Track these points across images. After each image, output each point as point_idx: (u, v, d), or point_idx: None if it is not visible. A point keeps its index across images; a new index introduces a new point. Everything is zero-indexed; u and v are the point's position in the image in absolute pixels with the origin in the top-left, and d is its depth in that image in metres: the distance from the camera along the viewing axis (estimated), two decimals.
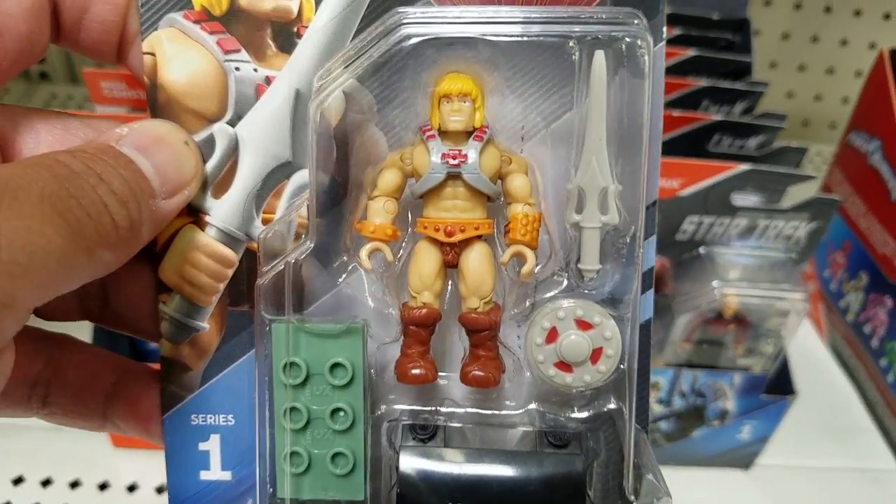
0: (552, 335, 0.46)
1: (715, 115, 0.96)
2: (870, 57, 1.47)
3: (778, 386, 0.96)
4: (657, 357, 0.93)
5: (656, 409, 0.94)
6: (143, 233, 0.42)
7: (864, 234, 1.13)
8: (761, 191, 0.84)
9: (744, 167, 0.81)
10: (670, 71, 1.04)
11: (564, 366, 0.46)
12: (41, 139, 0.46)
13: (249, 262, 0.48)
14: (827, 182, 1.26)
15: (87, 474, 0.96)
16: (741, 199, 0.84)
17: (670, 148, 0.89)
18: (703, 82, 1.02)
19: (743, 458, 1.01)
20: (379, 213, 0.46)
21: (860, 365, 1.16)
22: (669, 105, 1.00)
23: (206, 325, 0.49)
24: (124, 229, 0.40)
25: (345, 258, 0.48)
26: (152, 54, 0.46)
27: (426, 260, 0.46)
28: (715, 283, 0.87)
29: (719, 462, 1.01)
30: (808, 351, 1.20)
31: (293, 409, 0.47)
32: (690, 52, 1.06)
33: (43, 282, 0.35)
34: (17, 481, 0.95)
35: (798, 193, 0.88)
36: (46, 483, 0.95)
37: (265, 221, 0.48)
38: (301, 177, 0.47)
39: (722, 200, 0.83)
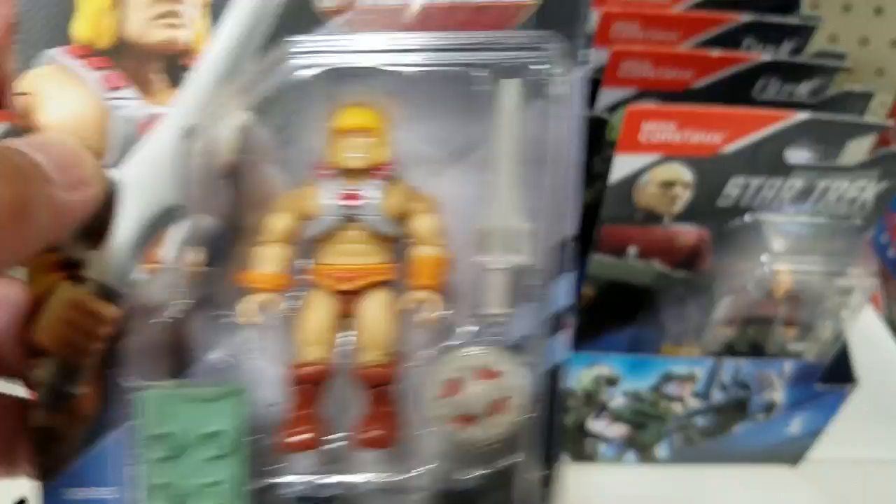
0: (454, 387, 0.42)
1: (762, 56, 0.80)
2: None
3: (835, 374, 0.84)
4: (694, 345, 0.82)
5: (692, 403, 0.83)
6: (38, 216, 0.37)
7: None
8: (819, 145, 0.72)
9: (801, 116, 0.68)
10: (706, 5, 0.89)
11: (467, 418, 0.43)
12: None
13: (130, 318, 0.44)
14: (883, 135, 1.16)
15: None
16: (796, 155, 0.71)
17: (709, 95, 0.76)
18: (744, 17, 0.85)
19: (790, 454, 0.90)
20: (268, 260, 0.42)
21: None
22: (706, 44, 0.85)
23: (83, 389, 0.44)
24: (4, 203, 0.35)
25: (230, 313, 0.43)
26: (29, 94, 0.43)
27: (318, 311, 0.42)
28: (764, 258, 0.74)
29: (762, 458, 0.90)
30: (862, 325, 1.03)
31: (163, 484, 0.42)
32: None
33: None
34: None
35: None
36: None
37: (148, 272, 0.43)
38: (188, 223, 0.43)
39: (774, 158, 0.70)
